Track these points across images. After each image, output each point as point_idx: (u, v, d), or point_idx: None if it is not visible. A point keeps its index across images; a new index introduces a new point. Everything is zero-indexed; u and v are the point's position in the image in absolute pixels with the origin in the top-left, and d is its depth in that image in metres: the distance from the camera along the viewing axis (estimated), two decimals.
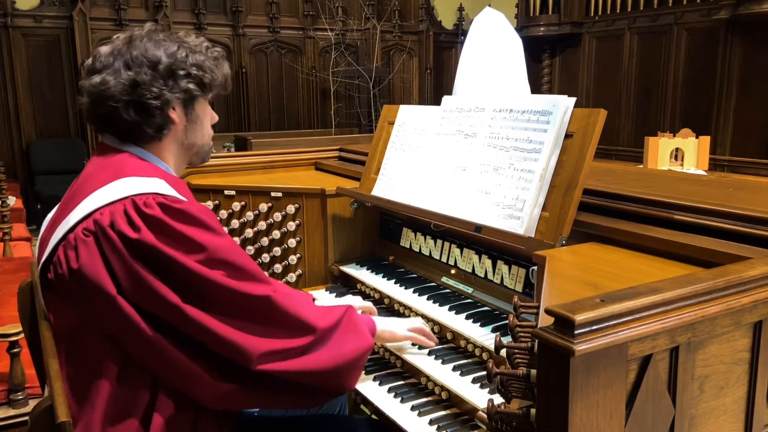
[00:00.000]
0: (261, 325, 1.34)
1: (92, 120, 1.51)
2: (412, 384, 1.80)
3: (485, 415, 1.24)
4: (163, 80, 1.46)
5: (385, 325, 1.75)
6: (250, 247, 2.54)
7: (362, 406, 1.85)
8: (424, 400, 1.71)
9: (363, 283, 2.30)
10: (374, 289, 2.22)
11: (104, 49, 1.49)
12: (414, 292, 2.06)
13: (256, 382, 1.37)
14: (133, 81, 1.43)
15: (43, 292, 1.41)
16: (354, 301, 1.94)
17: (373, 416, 1.77)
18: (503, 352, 1.24)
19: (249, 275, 1.35)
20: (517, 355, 1.19)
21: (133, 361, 1.34)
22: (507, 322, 1.41)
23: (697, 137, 5.65)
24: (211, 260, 1.30)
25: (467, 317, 1.83)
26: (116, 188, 1.36)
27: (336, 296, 2.30)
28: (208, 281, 1.29)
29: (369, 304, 1.97)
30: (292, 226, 2.48)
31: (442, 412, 1.64)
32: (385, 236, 2.49)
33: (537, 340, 0.96)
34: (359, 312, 1.78)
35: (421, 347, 1.83)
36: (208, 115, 1.60)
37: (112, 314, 1.29)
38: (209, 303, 1.30)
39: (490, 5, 4.02)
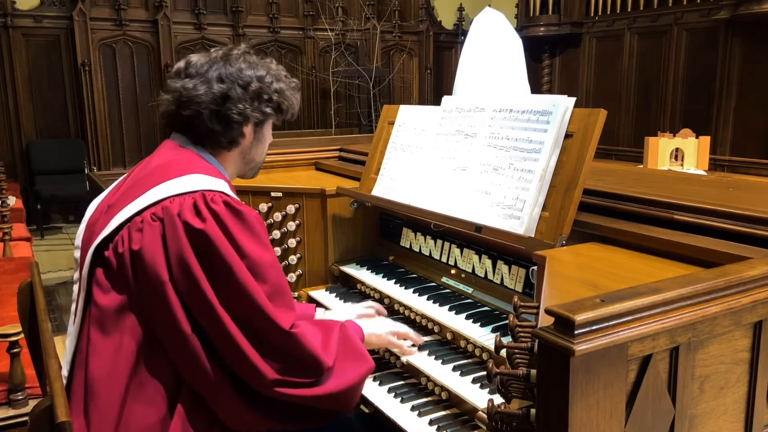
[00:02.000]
0: (279, 357, 1.39)
1: (170, 119, 1.59)
2: (412, 384, 1.80)
3: (485, 415, 1.24)
4: (250, 100, 1.57)
5: (370, 328, 1.77)
6: None
7: (362, 406, 1.85)
8: (424, 400, 1.71)
9: (363, 283, 2.29)
10: (374, 289, 2.22)
11: (199, 59, 1.58)
12: (414, 292, 2.06)
13: (267, 404, 1.43)
14: (224, 94, 1.54)
15: (93, 269, 1.45)
16: (356, 309, 1.97)
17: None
18: (503, 352, 1.24)
19: (281, 297, 1.41)
20: (517, 355, 1.19)
21: (161, 352, 1.39)
22: (507, 322, 1.41)
23: (697, 137, 5.65)
24: (251, 270, 1.37)
25: (467, 317, 1.83)
26: (188, 181, 1.44)
27: (336, 296, 2.30)
28: (246, 293, 1.35)
29: (371, 306, 1.99)
30: (292, 226, 2.48)
31: (442, 412, 1.64)
32: (385, 236, 2.49)
33: (537, 340, 0.96)
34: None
35: (420, 348, 1.84)
36: (269, 136, 1.71)
37: (158, 300, 1.35)
38: (241, 316, 1.36)
39: (490, 5, 4.02)
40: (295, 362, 1.41)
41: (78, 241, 1.57)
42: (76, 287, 1.52)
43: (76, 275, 1.54)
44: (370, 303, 2.01)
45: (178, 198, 1.40)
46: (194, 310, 1.35)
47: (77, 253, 1.55)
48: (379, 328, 1.80)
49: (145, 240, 1.37)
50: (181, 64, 1.61)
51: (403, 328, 1.85)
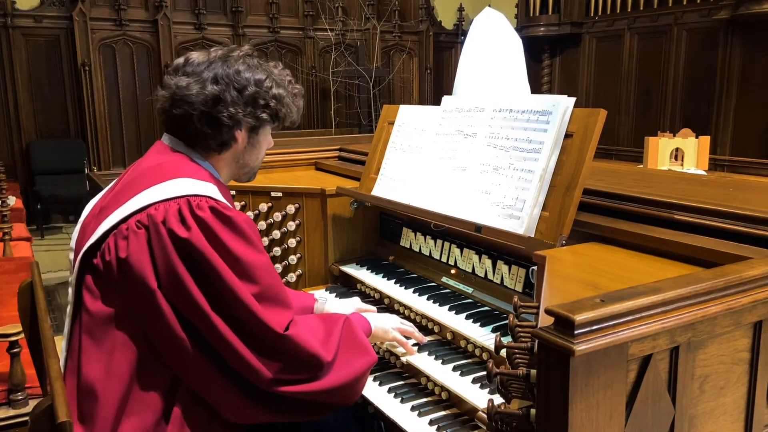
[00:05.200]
0: (276, 357, 1.39)
1: (164, 115, 1.56)
2: (412, 384, 1.80)
3: (485, 415, 1.24)
4: (244, 105, 1.53)
5: (378, 323, 1.79)
6: None
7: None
8: (424, 400, 1.71)
9: (363, 283, 2.29)
10: (374, 289, 2.22)
11: (198, 56, 1.55)
12: (414, 292, 2.06)
13: (268, 399, 1.43)
14: (216, 96, 1.49)
15: (82, 275, 1.44)
16: (356, 303, 1.97)
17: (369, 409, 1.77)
18: (503, 352, 1.24)
19: (274, 299, 1.39)
20: (517, 355, 1.19)
21: (155, 357, 1.38)
22: (507, 322, 1.41)
23: (697, 137, 5.65)
24: (242, 273, 1.35)
25: (467, 317, 1.83)
26: (173, 186, 1.41)
27: (337, 296, 2.30)
28: (236, 297, 1.33)
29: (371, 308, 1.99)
30: (292, 226, 2.48)
31: (442, 413, 1.64)
32: (385, 236, 2.49)
33: (537, 340, 0.96)
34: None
35: (420, 348, 1.84)
36: (267, 142, 1.66)
37: (149, 308, 1.34)
38: (234, 319, 1.34)
39: (490, 5, 4.02)
40: (291, 361, 1.40)
41: (72, 243, 1.56)
42: (70, 289, 1.51)
43: (71, 277, 1.53)
44: (405, 322, 1.91)
45: (163, 204, 1.37)
46: (188, 316, 1.34)
47: (71, 255, 1.54)
48: (386, 323, 1.81)
49: (131, 248, 1.34)
50: (180, 60, 1.57)
51: (410, 326, 1.86)
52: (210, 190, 1.44)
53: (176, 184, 1.42)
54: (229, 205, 1.44)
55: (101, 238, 1.40)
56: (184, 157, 1.54)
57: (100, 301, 1.39)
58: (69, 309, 1.49)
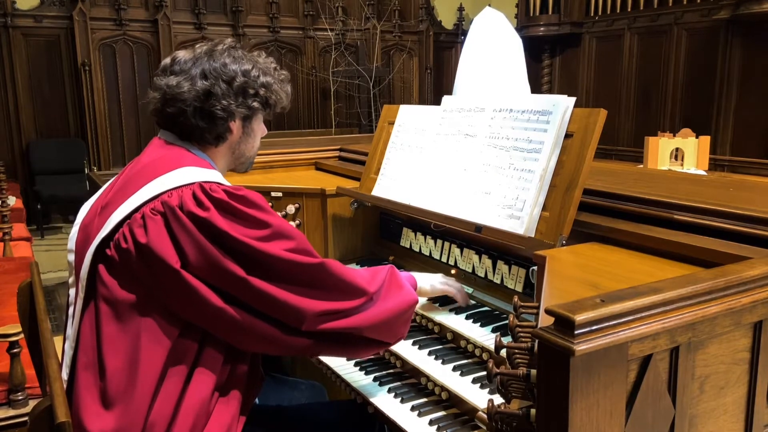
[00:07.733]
0: (318, 290, 1.43)
1: (158, 116, 1.60)
2: (412, 384, 1.80)
3: (485, 416, 1.24)
4: (235, 96, 1.57)
5: (425, 280, 1.87)
6: None
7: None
8: (424, 400, 1.70)
9: None
10: None
11: (184, 55, 1.59)
12: None
13: (316, 337, 1.47)
14: (207, 91, 1.54)
15: (93, 267, 1.44)
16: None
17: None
18: (503, 352, 1.24)
19: (304, 250, 1.43)
20: (517, 355, 1.19)
21: (179, 337, 1.39)
22: (507, 322, 1.41)
23: (697, 137, 5.65)
24: (275, 234, 1.40)
25: (467, 317, 1.83)
26: (182, 174, 1.45)
27: None
28: (269, 255, 1.38)
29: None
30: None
31: (442, 413, 1.64)
32: (385, 236, 2.49)
33: (537, 340, 0.96)
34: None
35: (421, 347, 1.84)
36: (260, 130, 1.70)
37: (177, 288, 1.35)
38: (271, 273, 1.38)
39: (490, 5, 4.02)
40: (332, 288, 1.44)
41: (71, 244, 1.56)
42: (72, 291, 1.50)
43: (71, 279, 1.52)
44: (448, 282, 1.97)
45: (176, 191, 1.40)
46: (225, 288, 1.36)
47: (71, 257, 1.54)
48: (433, 280, 1.89)
49: (151, 234, 1.36)
50: (167, 60, 1.61)
51: (454, 289, 1.92)
52: (217, 176, 1.48)
53: (184, 172, 1.45)
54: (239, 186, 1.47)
55: (113, 231, 1.42)
56: (183, 150, 1.57)
57: (119, 291, 1.40)
58: (72, 310, 1.49)
